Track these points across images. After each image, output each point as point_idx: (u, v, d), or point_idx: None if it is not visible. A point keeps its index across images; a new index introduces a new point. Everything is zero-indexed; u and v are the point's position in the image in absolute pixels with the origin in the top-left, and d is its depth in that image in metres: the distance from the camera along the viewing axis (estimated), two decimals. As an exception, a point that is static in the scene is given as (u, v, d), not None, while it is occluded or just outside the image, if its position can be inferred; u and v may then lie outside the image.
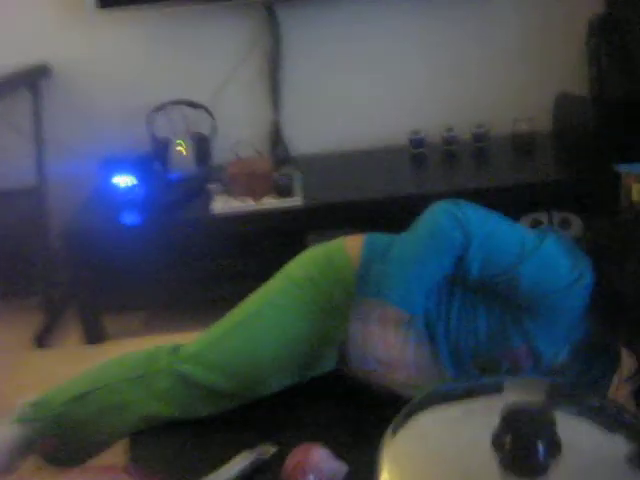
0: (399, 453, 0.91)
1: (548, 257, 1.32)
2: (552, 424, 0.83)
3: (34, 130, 3.09)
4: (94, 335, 2.82)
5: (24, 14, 3.10)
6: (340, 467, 0.85)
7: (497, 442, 0.85)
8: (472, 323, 1.34)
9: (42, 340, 2.84)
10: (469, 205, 1.32)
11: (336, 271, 1.42)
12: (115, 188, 2.95)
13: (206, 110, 3.18)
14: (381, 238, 1.44)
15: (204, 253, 2.84)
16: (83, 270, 2.76)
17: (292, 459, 0.84)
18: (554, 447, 0.83)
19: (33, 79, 3.12)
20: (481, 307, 1.33)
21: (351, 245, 1.46)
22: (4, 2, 3.09)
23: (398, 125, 3.21)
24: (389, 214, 2.61)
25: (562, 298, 1.32)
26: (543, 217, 2.66)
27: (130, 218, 2.92)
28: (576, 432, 0.88)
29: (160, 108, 3.20)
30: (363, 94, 3.26)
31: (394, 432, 0.95)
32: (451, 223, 1.28)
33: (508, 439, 0.83)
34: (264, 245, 2.72)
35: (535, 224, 2.56)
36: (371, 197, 2.80)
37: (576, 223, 2.57)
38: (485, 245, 1.29)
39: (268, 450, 1.15)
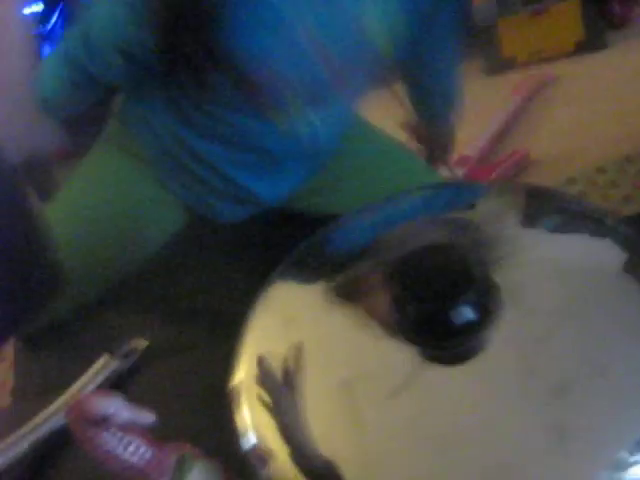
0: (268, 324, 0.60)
1: None
2: (472, 263, 0.50)
3: None
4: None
5: None
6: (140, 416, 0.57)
7: (396, 308, 0.52)
8: None
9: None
10: None
11: None
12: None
13: None
14: None
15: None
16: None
17: (74, 408, 0.56)
18: (487, 300, 0.50)
19: None
20: None
21: None
22: None
23: None
24: None
25: None
26: None
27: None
28: (530, 264, 0.55)
29: None
30: None
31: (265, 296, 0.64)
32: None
33: (410, 304, 0.51)
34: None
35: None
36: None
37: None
38: None
39: (138, 346, 0.86)
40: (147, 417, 0.55)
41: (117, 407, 0.53)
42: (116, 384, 0.84)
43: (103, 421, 0.52)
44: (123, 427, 0.54)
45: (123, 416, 0.52)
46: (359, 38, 0.90)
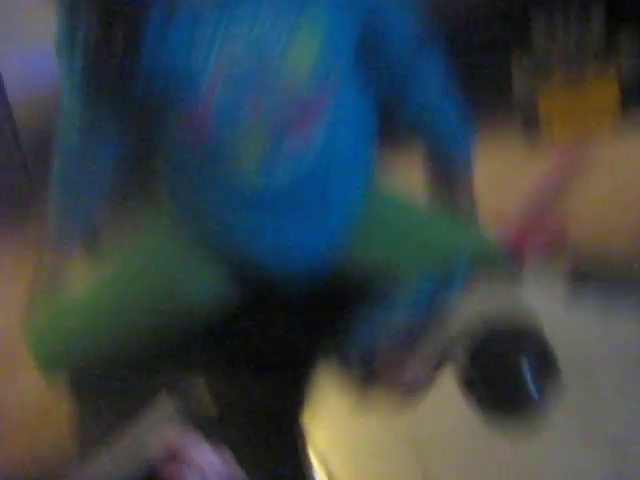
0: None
1: None
2: (538, 339, 0.56)
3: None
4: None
5: None
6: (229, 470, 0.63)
7: (466, 383, 0.58)
8: None
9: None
10: None
11: None
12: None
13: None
14: None
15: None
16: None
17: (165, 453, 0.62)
18: (548, 371, 0.56)
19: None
20: None
21: None
22: None
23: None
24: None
25: None
26: (557, 18, 2.24)
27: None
28: (585, 336, 0.61)
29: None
30: None
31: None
32: None
33: (477, 378, 0.57)
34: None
35: (549, 29, 2.16)
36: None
37: (597, 20, 2.15)
38: None
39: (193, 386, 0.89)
40: (235, 470, 0.61)
41: (208, 456, 0.58)
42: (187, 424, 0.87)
43: (197, 468, 0.57)
44: (213, 474, 0.60)
45: (215, 467, 0.58)
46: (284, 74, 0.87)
